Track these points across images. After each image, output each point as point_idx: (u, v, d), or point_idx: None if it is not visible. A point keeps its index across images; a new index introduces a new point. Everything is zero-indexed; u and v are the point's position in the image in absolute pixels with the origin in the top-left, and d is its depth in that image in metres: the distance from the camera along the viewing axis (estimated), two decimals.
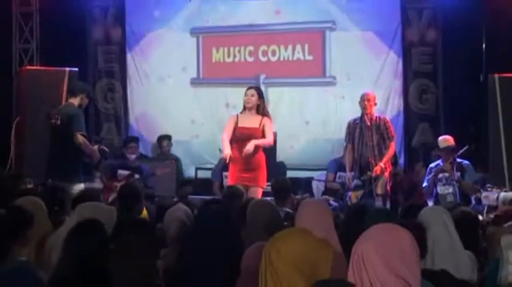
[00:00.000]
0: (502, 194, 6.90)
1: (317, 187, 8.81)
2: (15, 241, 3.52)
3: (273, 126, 7.35)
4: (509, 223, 4.85)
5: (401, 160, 9.82)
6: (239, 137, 6.96)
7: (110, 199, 7.40)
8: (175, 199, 7.15)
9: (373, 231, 2.20)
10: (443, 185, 7.58)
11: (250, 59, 10.29)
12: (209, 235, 3.18)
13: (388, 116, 8.42)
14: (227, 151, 6.88)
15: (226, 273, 2.98)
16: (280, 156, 8.81)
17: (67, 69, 8.96)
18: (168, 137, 9.61)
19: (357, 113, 7.66)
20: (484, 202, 7.05)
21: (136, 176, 8.28)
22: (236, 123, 7.02)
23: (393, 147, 7.62)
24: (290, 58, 10.24)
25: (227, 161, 6.95)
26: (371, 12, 10.22)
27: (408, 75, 10.24)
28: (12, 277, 2.84)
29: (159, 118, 10.38)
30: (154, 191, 7.99)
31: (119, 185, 7.35)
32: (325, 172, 8.76)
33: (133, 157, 8.78)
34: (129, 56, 10.47)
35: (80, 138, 7.11)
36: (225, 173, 7.92)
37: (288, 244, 2.35)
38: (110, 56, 10.49)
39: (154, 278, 2.71)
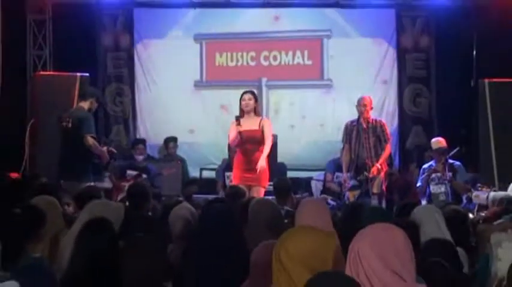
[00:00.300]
0: (492, 193, 6.89)
1: (316, 186, 8.82)
2: (29, 239, 3.53)
3: (274, 129, 7.38)
4: (498, 221, 4.86)
5: (396, 161, 9.85)
6: (242, 140, 6.97)
7: (119, 198, 7.42)
8: (180, 198, 7.16)
9: (368, 230, 2.21)
10: (436, 184, 7.59)
11: (252, 63, 10.35)
12: (213, 232, 3.18)
13: (383, 119, 8.43)
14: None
15: (229, 269, 2.99)
16: (281, 157, 8.82)
17: (78, 74, 8.97)
18: (174, 139, 9.61)
19: (353, 115, 7.67)
20: (475, 200, 7.04)
21: (144, 176, 8.29)
22: (238, 128, 7.04)
23: (389, 149, 7.62)
24: (290, 63, 10.31)
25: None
26: (367, 20, 10.27)
27: (402, 80, 10.28)
28: (26, 273, 2.85)
29: (165, 121, 10.39)
30: (161, 191, 7.99)
31: (127, 184, 7.35)
32: (323, 172, 8.77)
33: (141, 158, 8.79)
34: (137, 62, 10.49)
35: (90, 140, 7.13)
36: (227, 174, 7.95)
37: (295, 242, 2.34)
38: (118, 62, 10.51)
39: (163, 274, 2.69)
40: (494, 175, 8.28)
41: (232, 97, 9.96)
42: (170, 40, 10.47)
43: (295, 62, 10.30)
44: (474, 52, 9.91)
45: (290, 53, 10.29)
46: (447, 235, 3.95)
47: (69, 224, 4.10)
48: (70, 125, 7.24)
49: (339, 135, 8.00)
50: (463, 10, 9.83)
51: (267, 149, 6.94)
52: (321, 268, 2.22)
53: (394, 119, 10.15)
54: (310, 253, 2.30)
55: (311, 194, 8.51)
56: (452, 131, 9.21)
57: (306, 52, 10.28)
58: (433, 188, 7.58)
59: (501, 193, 6.65)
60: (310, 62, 10.29)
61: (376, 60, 10.27)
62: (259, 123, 7.03)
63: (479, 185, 7.49)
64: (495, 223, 4.81)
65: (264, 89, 10.18)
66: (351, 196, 7.29)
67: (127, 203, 5.30)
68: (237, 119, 7.00)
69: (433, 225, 3.97)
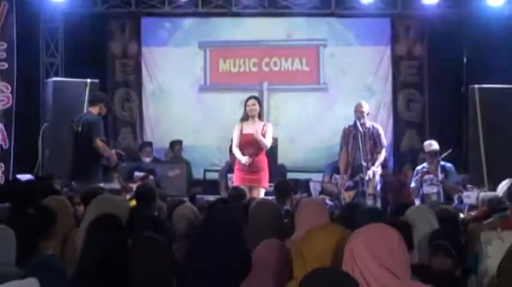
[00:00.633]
0: (482, 194, 6.89)
1: (314, 187, 8.81)
2: (41, 237, 3.53)
3: (275, 132, 7.39)
4: (488, 220, 4.86)
5: (390, 163, 9.85)
6: (244, 143, 6.97)
7: (127, 198, 7.40)
8: (184, 198, 7.14)
9: (362, 230, 2.20)
10: (429, 185, 7.57)
11: (254, 69, 10.44)
12: (216, 232, 3.17)
13: (378, 123, 8.44)
14: (245, 160, 6.87)
15: (230, 267, 2.97)
16: (281, 159, 8.82)
17: (88, 80, 8.98)
18: (179, 142, 9.62)
19: (350, 120, 7.66)
20: (466, 201, 7.04)
21: (151, 177, 8.29)
22: (241, 131, 7.04)
23: (384, 153, 7.64)
24: (290, 68, 10.42)
25: (246, 163, 6.91)
26: (364, 29, 10.33)
27: (397, 86, 10.31)
28: (39, 269, 2.85)
29: (171, 124, 10.40)
30: (167, 191, 7.98)
31: (135, 185, 7.35)
32: (322, 174, 8.75)
33: (148, 160, 8.78)
34: (143, 68, 10.51)
35: (99, 143, 7.14)
36: (229, 175, 7.94)
37: (318, 241, 2.42)
38: (126, 69, 10.53)
39: (171, 273, 2.66)
40: (483, 176, 8.28)
41: (235, 101, 10.00)
42: (175, 47, 10.48)
43: (294, 68, 10.40)
44: (464, 60, 9.93)
45: (289, 60, 10.39)
46: None
47: (79, 223, 4.09)
48: (80, 128, 7.26)
49: (337, 139, 8.00)
50: (454, 20, 9.85)
51: (264, 140, 6.91)
52: (336, 264, 2.24)
53: (388, 123, 10.18)
54: (331, 252, 2.32)
55: (310, 194, 8.50)
56: (444, 134, 9.21)
57: (304, 59, 10.36)
58: (426, 189, 7.57)
59: (490, 194, 6.65)
60: (307, 68, 10.40)
61: (371, 67, 10.31)
62: (263, 127, 7.03)
63: (469, 186, 7.51)
64: (485, 222, 4.80)
65: (266, 92, 10.26)
66: (346, 196, 7.30)
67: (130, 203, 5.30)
68: (241, 122, 7.00)
69: (425, 224, 3.97)
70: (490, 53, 9.17)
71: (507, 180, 6.70)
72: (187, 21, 10.49)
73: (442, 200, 7.37)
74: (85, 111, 8.03)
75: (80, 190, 6.25)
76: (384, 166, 7.99)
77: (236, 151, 7.01)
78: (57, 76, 9.99)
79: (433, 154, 7.65)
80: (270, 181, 7.01)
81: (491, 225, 4.28)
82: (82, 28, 9.96)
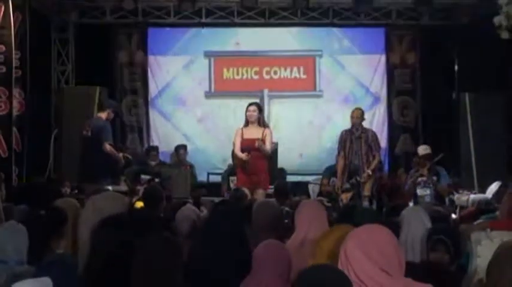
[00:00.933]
0: (472, 196, 6.91)
1: (313, 190, 8.81)
2: (52, 236, 3.53)
3: (275, 136, 7.39)
4: (478, 221, 4.85)
5: (385, 166, 9.85)
6: (245, 147, 6.97)
7: (134, 201, 7.39)
8: (188, 200, 7.14)
9: (354, 232, 2.21)
10: (422, 188, 7.55)
11: (255, 77, 10.56)
12: (219, 231, 3.17)
13: (374, 128, 8.46)
14: (245, 156, 6.85)
15: (232, 267, 2.97)
16: (281, 163, 8.83)
17: (97, 87, 9.00)
18: (184, 146, 9.63)
19: (347, 125, 7.67)
20: (457, 202, 7.05)
21: (157, 180, 8.27)
22: (242, 135, 7.04)
23: (379, 156, 7.64)
24: (289, 76, 10.55)
25: (246, 159, 6.88)
26: (359, 39, 10.37)
27: (391, 93, 10.35)
28: (50, 268, 2.85)
29: (176, 129, 10.43)
30: (172, 194, 7.97)
31: (141, 188, 7.34)
32: (320, 177, 8.75)
33: (154, 163, 8.79)
34: (150, 76, 10.54)
35: (107, 147, 7.16)
36: (231, 178, 7.94)
37: (327, 240, 2.55)
38: (133, 76, 10.58)
39: (179, 273, 2.63)
40: (474, 179, 8.29)
41: (238, 107, 10.01)
42: (180, 56, 10.53)
43: (292, 76, 10.55)
44: (456, 68, 9.95)
45: (288, 69, 10.52)
46: None
47: None
48: (90, 133, 7.28)
49: (334, 143, 8.00)
50: (446, 29, 9.87)
51: (267, 147, 6.91)
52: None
53: (384, 128, 10.21)
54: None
55: (308, 196, 8.49)
56: (437, 139, 9.21)
57: (301, 68, 10.46)
58: (419, 191, 7.55)
59: (480, 196, 6.66)
60: (305, 76, 10.52)
61: (367, 74, 10.37)
62: (263, 132, 7.02)
63: (460, 188, 7.51)
64: (475, 222, 4.79)
65: (266, 99, 10.34)
66: (344, 198, 7.28)
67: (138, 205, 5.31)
68: (242, 127, 7.01)
69: (419, 224, 3.96)
70: (480, 62, 9.18)
71: (496, 183, 6.71)
72: (192, 32, 10.54)
73: (434, 201, 7.36)
74: (94, 116, 8.05)
75: (88, 192, 6.26)
76: (379, 169, 7.98)
77: (240, 153, 6.99)
78: (68, 83, 10.03)
79: (426, 157, 7.65)
80: (271, 183, 7.01)
81: (482, 225, 4.28)
82: (91, 38, 10.00)
